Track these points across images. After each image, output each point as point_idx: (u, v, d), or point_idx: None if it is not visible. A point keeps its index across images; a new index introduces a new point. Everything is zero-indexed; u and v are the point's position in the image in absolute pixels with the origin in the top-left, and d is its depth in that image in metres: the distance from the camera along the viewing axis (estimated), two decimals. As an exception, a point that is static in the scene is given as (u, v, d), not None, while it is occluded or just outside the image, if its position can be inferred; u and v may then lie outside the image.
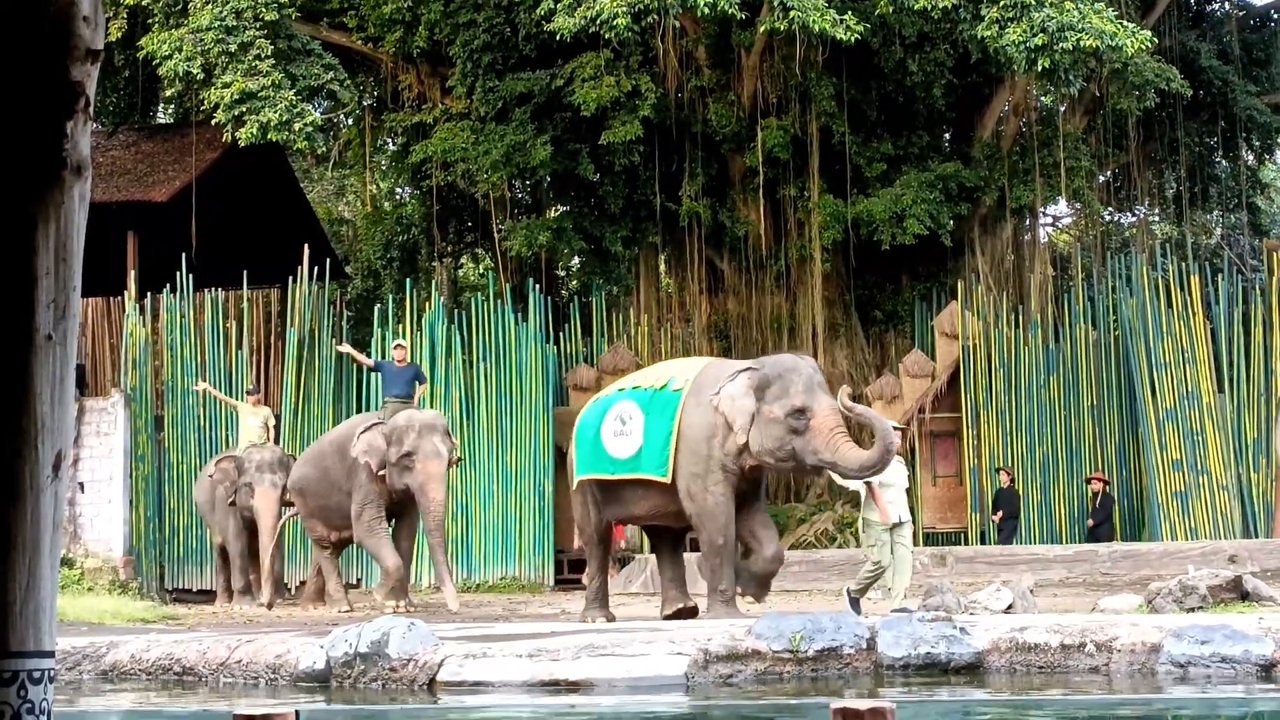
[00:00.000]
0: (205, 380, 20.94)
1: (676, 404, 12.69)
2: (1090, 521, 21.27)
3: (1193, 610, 11.86)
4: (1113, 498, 21.54)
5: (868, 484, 12.65)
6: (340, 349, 19.52)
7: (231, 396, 21.03)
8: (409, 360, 17.82)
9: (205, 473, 19.41)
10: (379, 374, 18.02)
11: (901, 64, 22.43)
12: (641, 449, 12.79)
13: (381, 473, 15.83)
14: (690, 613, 12.96)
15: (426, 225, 27.82)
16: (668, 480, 12.59)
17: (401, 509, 16.54)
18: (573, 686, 8.37)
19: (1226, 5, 29.84)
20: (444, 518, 16.01)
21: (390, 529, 16.71)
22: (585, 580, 14.88)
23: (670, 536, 13.78)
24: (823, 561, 18.29)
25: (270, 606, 17.47)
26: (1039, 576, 17.29)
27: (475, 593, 19.97)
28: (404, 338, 19.78)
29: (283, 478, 18.02)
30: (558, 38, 19.51)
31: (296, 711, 4.22)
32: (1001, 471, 21.31)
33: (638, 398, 13.09)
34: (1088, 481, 21.62)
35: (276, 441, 19.84)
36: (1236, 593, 12.31)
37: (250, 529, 18.44)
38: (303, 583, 19.53)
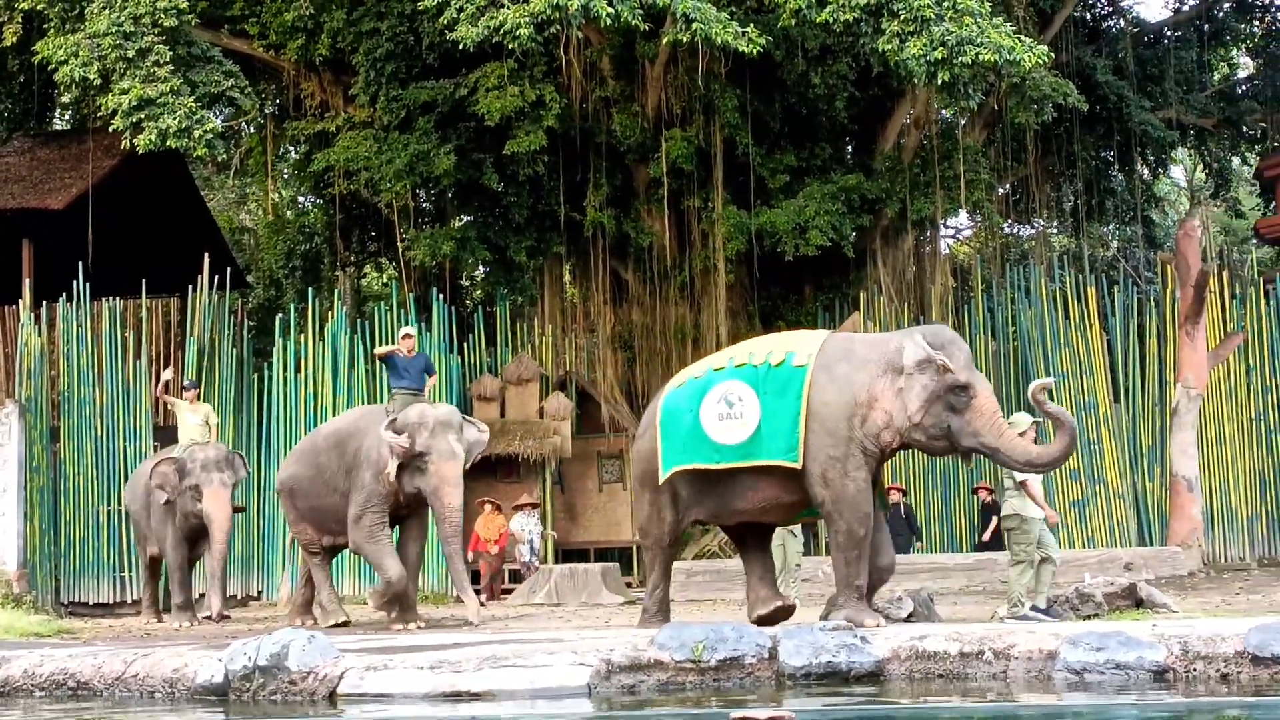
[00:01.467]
0: (167, 381, 19.24)
1: (802, 380, 11.29)
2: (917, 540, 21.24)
3: (1089, 617, 12.06)
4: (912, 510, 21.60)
5: (1023, 481, 12.35)
6: (378, 352, 16.60)
7: (130, 407, 20.74)
8: (418, 350, 16.13)
9: (138, 476, 18.01)
10: (385, 365, 16.21)
11: (804, 76, 22.59)
12: (759, 432, 11.37)
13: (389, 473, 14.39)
14: (787, 612, 11.99)
15: (329, 234, 27.63)
16: (798, 465, 11.27)
17: (408, 513, 15.02)
18: (475, 698, 8.34)
19: (1122, 22, 30.38)
20: (461, 524, 14.54)
21: (396, 535, 15.13)
22: (647, 589, 12.79)
23: (762, 532, 12.59)
24: (726, 571, 18.35)
25: (219, 619, 16.33)
26: (940, 585, 17.47)
27: (378, 604, 19.84)
28: (397, 339, 17.17)
29: (232, 476, 16.79)
30: (461, 47, 19.44)
31: (192, 726, 4.17)
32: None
33: (745, 376, 11.58)
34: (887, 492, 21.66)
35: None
36: (1131, 600, 12.54)
37: (192, 537, 16.98)
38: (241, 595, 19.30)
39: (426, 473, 14.35)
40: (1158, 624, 10.01)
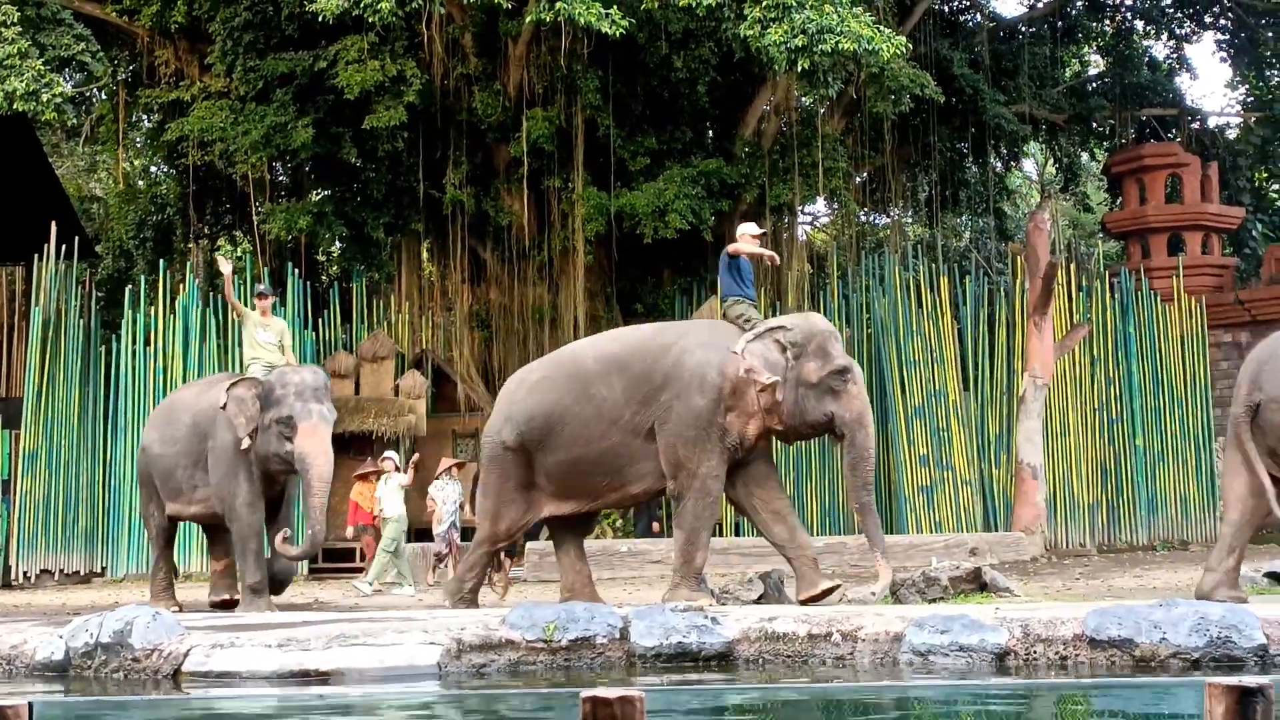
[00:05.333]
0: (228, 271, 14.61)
1: None
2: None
3: (935, 601, 12.26)
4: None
5: None
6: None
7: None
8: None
9: (175, 407, 13.76)
10: (731, 266, 12.31)
11: (667, 60, 22.64)
12: None
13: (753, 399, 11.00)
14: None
15: (182, 205, 27.11)
16: None
17: (747, 458, 11.49)
18: (323, 677, 8.26)
19: (979, 16, 30.89)
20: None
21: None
22: (1225, 557, 11.36)
23: None
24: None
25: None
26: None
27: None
28: (739, 235, 12.72)
29: (332, 411, 12.98)
30: (321, 19, 19.18)
31: (30, 703, 4.07)
32: None
33: None
34: None
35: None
36: (976, 584, 12.78)
37: (269, 494, 13.30)
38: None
39: (843, 395, 11.08)
40: (1000, 608, 10.22)
